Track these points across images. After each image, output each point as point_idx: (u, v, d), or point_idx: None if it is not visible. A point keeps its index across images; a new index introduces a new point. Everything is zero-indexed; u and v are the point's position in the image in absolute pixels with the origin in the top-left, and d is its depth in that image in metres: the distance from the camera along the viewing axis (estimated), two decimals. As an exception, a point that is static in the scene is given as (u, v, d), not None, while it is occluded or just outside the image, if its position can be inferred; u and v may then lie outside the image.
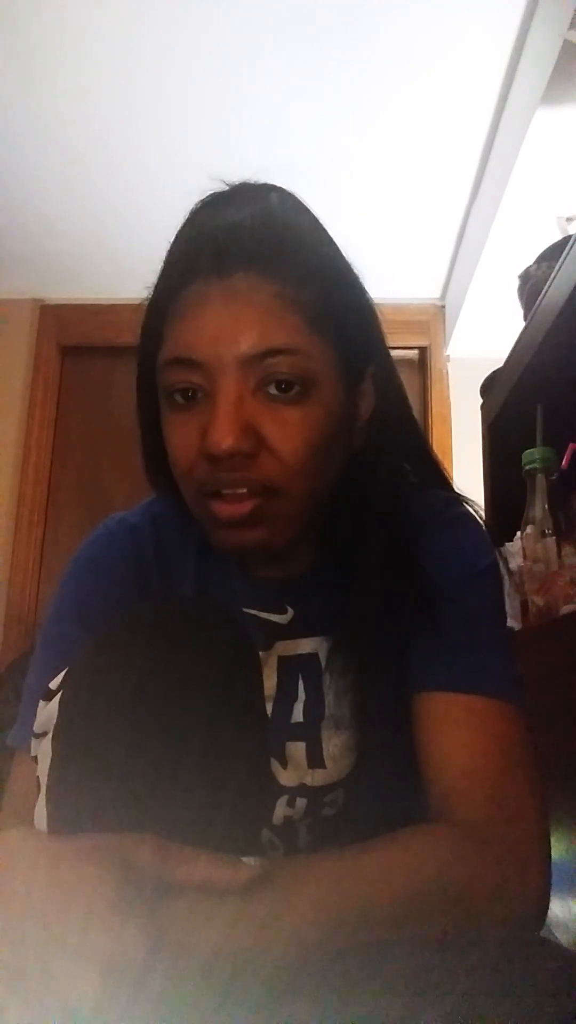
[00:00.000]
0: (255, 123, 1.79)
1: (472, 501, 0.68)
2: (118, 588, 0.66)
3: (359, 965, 0.39)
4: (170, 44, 1.58)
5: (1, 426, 2.46)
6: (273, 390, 0.54)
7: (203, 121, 1.79)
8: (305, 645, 0.63)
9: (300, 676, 0.63)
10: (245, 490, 0.55)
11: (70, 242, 2.25)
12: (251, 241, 0.55)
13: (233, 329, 0.53)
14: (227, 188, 0.61)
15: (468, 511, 0.67)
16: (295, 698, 0.62)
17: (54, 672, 0.51)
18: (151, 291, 0.61)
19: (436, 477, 0.71)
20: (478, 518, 0.67)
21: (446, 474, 0.71)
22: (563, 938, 0.91)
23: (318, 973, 0.39)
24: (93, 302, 2.50)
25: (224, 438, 0.52)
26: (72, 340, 2.54)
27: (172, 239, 0.60)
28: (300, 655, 0.63)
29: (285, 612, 0.65)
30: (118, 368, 2.51)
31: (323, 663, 0.63)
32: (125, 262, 2.30)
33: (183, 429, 0.56)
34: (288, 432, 0.55)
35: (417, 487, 0.69)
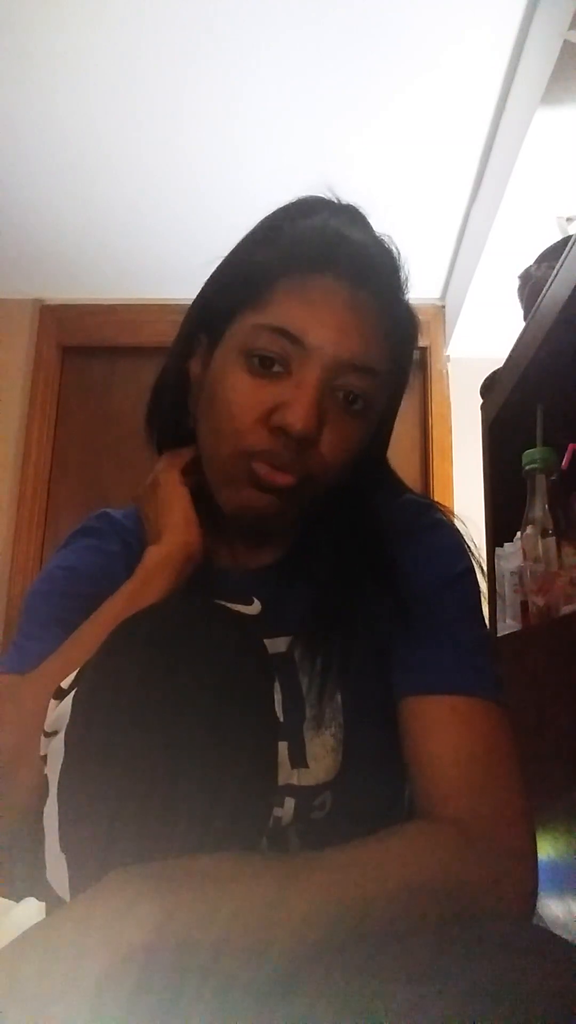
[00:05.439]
0: (255, 123, 1.79)
1: (444, 506, 0.72)
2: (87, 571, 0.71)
3: (361, 960, 0.39)
4: (170, 44, 1.58)
5: (1, 426, 2.46)
6: (342, 397, 0.61)
7: (203, 121, 1.79)
8: (280, 644, 0.64)
9: (276, 675, 0.63)
10: (289, 468, 0.61)
11: (70, 242, 2.25)
12: (384, 270, 0.64)
13: (349, 333, 0.59)
14: (335, 200, 0.70)
15: (443, 517, 0.69)
16: None
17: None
18: (245, 247, 0.66)
19: (395, 480, 0.74)
20: (453, 523, 0.69)
21: (399, 477, 0.75)
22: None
23: (320, 967, 0.39)
24: (93, 302, 2.49)
25: (304, 420, 0.58)
26: (72, 340, 2.53)
27: (274, 215, 0.67)
28: (274, 654, 0.63)
29: (251, 603, 0.66)
30: (118, 368, 2.48)
31: (297, 663, 0.63)
32: (125, 262, 2.30)
33: (254, 392, 0.60)
34: (340, 437, 0.61)
35: (394, 493, 0.71)
